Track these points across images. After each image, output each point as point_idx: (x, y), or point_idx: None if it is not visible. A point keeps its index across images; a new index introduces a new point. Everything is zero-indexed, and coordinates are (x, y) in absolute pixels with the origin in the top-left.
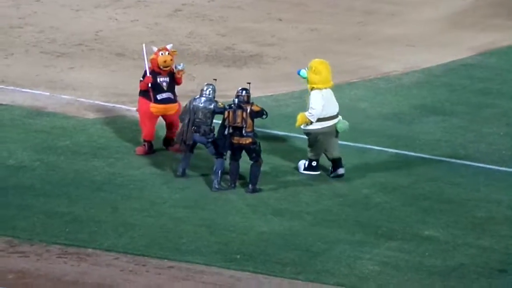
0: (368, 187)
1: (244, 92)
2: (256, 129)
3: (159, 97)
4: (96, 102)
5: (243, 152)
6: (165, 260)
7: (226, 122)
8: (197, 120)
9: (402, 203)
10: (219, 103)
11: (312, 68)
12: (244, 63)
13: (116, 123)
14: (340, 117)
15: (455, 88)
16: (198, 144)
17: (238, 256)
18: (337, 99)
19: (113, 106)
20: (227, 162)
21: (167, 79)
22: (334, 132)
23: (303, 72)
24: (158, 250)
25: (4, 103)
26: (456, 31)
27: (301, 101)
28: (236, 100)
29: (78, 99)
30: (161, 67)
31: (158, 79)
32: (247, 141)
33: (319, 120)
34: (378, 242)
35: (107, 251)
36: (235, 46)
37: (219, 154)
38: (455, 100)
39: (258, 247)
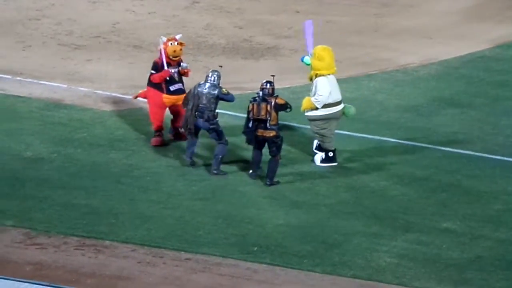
0: (385, 179)
1: (268, 85)
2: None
3: (172, 88)
4: (114, 94)
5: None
6: (182, 252)
7: (250, 115)
8: (200, 105)
9: (419, 195)
10: (223, 89)
11: (315, 54)
12: (261, 55)
13: (133, 115)
14: (342, 103)
15: (473, 80)
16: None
17: (255, 248)
18: (354, 91)
19: (130, 98)
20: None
21: (177, 69)
22: (339, 118)
23: (307, 58)
24: (175, 242)
25: (22, 95)
26: (473, 23)
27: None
28: (261, 92)
29: (95, 91)
30: (171, 57)
31: (169, 70)
32: (271, 134)
33: (325, 106)
34: (395, 235)
35: (125, 243)
36: (252, 38)
37: (222, 140)
38: (473, 92)
39: (275, 239)
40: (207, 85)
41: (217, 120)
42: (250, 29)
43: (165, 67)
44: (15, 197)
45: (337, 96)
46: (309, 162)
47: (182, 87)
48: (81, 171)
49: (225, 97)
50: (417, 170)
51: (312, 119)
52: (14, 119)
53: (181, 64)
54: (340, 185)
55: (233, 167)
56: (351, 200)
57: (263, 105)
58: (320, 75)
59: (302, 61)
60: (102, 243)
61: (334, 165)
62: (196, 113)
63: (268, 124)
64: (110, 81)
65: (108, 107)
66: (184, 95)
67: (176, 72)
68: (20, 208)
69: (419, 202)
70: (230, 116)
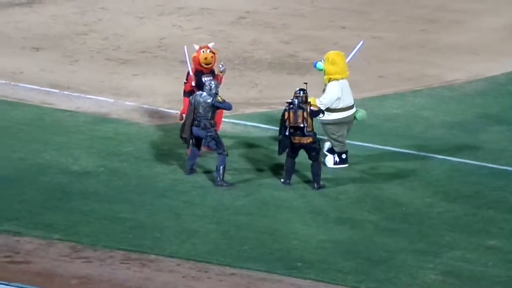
0: (431, 195)
1: (302, 92)
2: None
3: None
4: (160, 108)
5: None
6: (227, 267)
7: (287, 123)
8: (198, 114)
9: (465, 212)
10: (219, 97)
11: (329, 59)
12: (307, 71)
13: (179, 129)
14: (354, 107)
15: None
16: (264, 149)
17: (300, 264)
18: (400, 107)
19: (177, 113)
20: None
21: (211, 77)
22: (351, 122)
23: (320, 64)
24: (220, 256)
25: (69, 109)
26: None
27: (363, 108)
28: (296, 100)
29: (141, 105)
30: (203, 64)
31: (203, 78)
32: (308, 140)
33: (337, 110)
34: (440, 252)
35: (170, 257)
36: (298, 53)
37: (220, 150)
38: None
39: (319, 255)
40: (204, 93)
41: (215, 129)
42: (295, 45)
43: (190, 74)
44: (62, 210)
45: (349, 101)
46: (353, 178)
47: None
48: (127, 185)
49: (221, 106)
50: (463, 186)
51: (325, 123)
52: (62, 133)
53: (219, 65)
54: (385, 201)
55: (277, 182)
56: (396, 216)
57: (299, 112)
58: (334, 80)
59: (315, 66)
60: (147, 257)
61: (346, 166)
62: (195, 122)
63: (305, 131)
64: (156, 96)
65: (154, 122)
66: None
67: (210, 80)
68: (66, 222)
69: (465, 219)
70: (269, 130)
